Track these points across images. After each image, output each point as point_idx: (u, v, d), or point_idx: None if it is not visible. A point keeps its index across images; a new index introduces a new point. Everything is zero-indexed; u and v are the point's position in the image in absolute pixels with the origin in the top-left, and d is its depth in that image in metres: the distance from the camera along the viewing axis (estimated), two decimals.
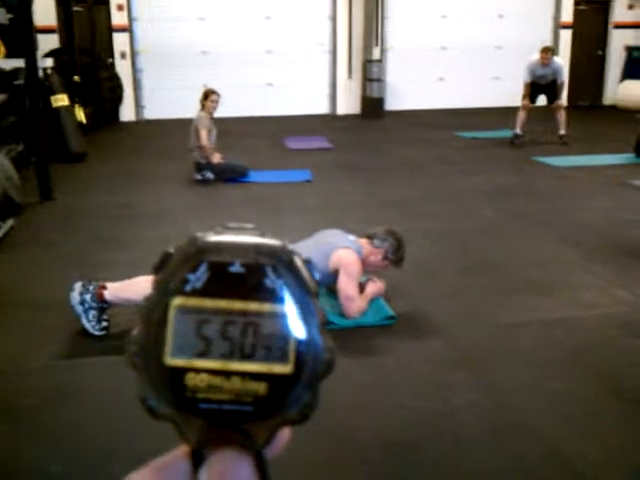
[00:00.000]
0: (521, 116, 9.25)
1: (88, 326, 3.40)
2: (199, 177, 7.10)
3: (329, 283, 3.66)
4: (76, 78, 9.80)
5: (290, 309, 0.36)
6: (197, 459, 0.36)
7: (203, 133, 6.93)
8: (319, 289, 0.38)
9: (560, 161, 8.08)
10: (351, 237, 3.70)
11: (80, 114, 9.40)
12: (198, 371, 0.35)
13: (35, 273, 4.40)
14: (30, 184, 6.34)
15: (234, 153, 7.70)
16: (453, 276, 4.27)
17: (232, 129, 9.75)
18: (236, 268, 0.36)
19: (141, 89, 12.53)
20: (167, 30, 12.28)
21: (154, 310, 0.36)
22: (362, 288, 3.68)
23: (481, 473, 2.45)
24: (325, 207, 6.10)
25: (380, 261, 3.68)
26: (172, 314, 0.36)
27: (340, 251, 3.55)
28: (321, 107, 13.04)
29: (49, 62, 8.86)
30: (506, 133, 9.72)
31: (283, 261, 0.37)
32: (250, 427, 0.36)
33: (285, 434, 0.38)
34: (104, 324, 3.45)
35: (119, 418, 2.76)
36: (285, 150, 9.14)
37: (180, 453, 0.37)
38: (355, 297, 3.54)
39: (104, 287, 3.47)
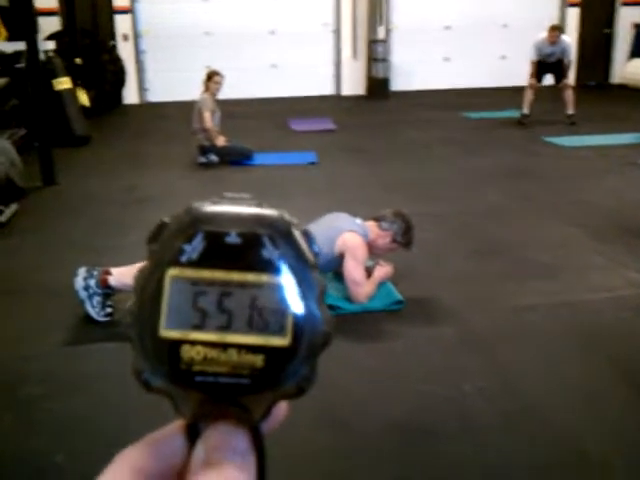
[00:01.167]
0: (528, 95, 9.13)
1: (92, 312, 3.36)
2: (203, 160, 7.03)
3: (335, 267, 3.61)
4: (78, 61, 9.70)
5: (288, 280, 0.35)
6: (192, 433, 0.35)
7: (207, 115, 6.85)
8: (319, 261, 0.37)
9: (568, 141, 7.98)
10: (358, 220, 3.64)
11: (83, 97, 9.32)
12: (194, 343, 0.35)
13: (39, 258, 4.36)
14: (33, 168, 6.28)
15: (238, 135, 7.62)
16: (461, 260, 4.21)
17: (236, 111, 9.66)
18: (232, 238, 0.35)
19: (144, 71, 12.42)
20: (170, 11, 12.14)
21: (148, 281, 0.35)
22: (370, 272, 3.63)
23: (492, 458, 2.41)
24: (330, 189, 6.03)
25: (388, 244, 3.62)
26: (167, 285, 0.35)
27: (346, 234, 3.49)
28: (326, 88, 12.91)
29: (50, 45, 8.77)
30: (513, 113, 9.61)
31: (281, 231, 0.36)
32: (246, 400, 0.35)
33: (282, 409, 0.37)
34: (108, 310, 3.41)
35: (124, 405, 2.73)
36: (289, 132, 9.05)
37: (175, 427, 0.36)
38: (362, 281, 3.49)
39: (108, 272, 3.43)
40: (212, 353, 0.35)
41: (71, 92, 8.35)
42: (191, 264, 0.35)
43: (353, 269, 3.46)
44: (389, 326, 3.37)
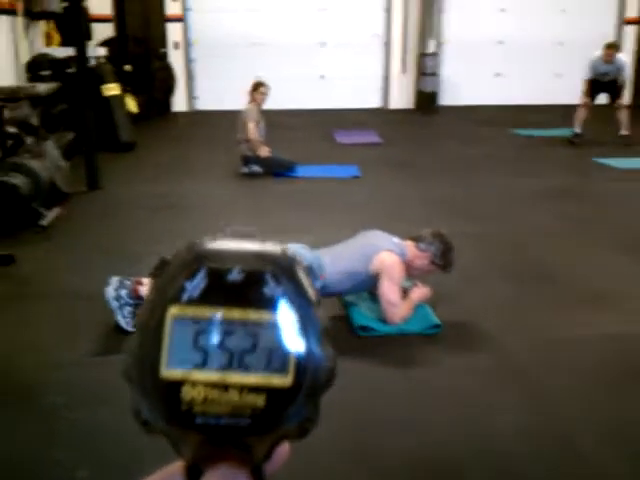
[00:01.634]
0: (581, 114, 8.88)
1: (122, 322, 3.32)
2: (246, 170, 7.00)
3: (370, 287, 3.50)
4: (127, 67, 9.83)
5: (290, 318, 0.35)
6: (193, 475, 0.35)
7: (251, 126, 6.83)
8: (320, 297, 0.36)
9: (621, 163, 7.70)
10: (395, 239, 3.52)
11: (131, 104, 9.43)
12: (195, 384, 0.34)
13: (73, 263, 4.36)
14: (79, 172, 6.34)
15: (282, 146, 7.58)
16: (503, 284, 4.05)
17: (281, 122, 9.64)
18: (235, 275, 0.35)
19: (194, 79, 12.53)
20: (220, 21, 12.24)
21: (150, 319, 0.35)
22: (406, 293, 3.51)
23: None
24: (371, 204, 5.93)
25: (426, 265, 3.49)
26: (168, 324, 0.35)
27: (383, 254, 3.38)
28: (373, 101, 12.82)
29: (102, 51, 8.90)
30: (565, 132, 9.35)
31: (283, 268, 0.35)
32: (248, 442, 0.35)
33: (285, 449, 0.36)
34: None
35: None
36: (334, 144, 8.98)
37: (175, 468, 0.36)
38: (398, 302, 3.37)
39: (140, 283, 3.39)
40: (213, 394, 0.34)
41: (119, 98, 8.45)
42: (192, 302, 0.35)
43: (389, 289, 3.35)
44: (423, 351, 3.24)
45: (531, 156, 8.13)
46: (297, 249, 3.49)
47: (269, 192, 6.36)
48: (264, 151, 6.97)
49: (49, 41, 9.53)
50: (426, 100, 12.27)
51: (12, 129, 6.00)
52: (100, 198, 6.10)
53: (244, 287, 0.35)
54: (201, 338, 0.34)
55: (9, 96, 6.74)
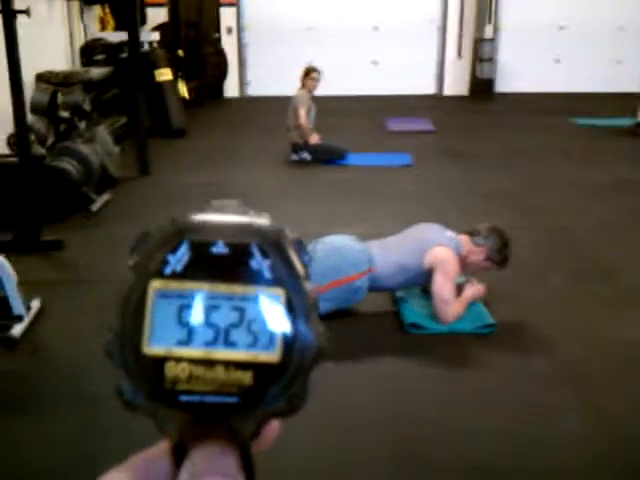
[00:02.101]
0: None
1: None
2: (295, 158, 6.91)
3: (423, 282, 3.37)
4: (180, 52, 9.82)
5: (277, 292, 0.34)
6: (178, 455, 0.34)
7: (302, 112, 6.72)
8: (309, 272, 0.35)
9: None
10: (450, 233, 3.38)
11: (183, 89, 9.43)
12: (179, 360, 0.33)
13: (121, 250, 4.33)
14: (129, 157, 6.36)
15: (333, 133, 7.46)
16: (562, 281, 3.86)
17: (333, 108, 9.50)
18: (219, 248, 0.34)
19: (246, 65, 12.48)
20: (273, 5, 12.14)
21: (131, 295, 0.34)
22: (459, 290, 3.36)
23: None
24: (423, 194, 5.77)
25: (482, 261, 3.34)
26: (150, 299, 0.34)
27: (437, 248, 3.24)
28: (427, 87, 12.54)
29: (154, 36, 8.90)
30: (627, 121, 8.96)
31: (270, 241, 0.34)
32: (235, 420, 0.34)
33: (274, 427, 0.36)
34: None
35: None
36: (386, 131, 8.81)
37: (161, 448, 0.35)
38: (451, 300, 3.23)
39: None
40: (198, 371, 0.33)
41: (171, 84, 8.44)
42: (175, 276, 0.34)
43: (442, 286, 3.21)
44: (476, 352, 3.09)
45: (591, 147, 7.81)
46: (345, 240, 3.38)
47: (319, 180, 6.25)
48: (314, 138, 6.85)
49: (104, 26, 9.59)
50: (482, 87, 11.95)
51: (65, 114, 6.04)
52: (150, 184, 6.09)
53: (229, 260, 0.34)
54: (185, 313, 0.33)
55: (63, 81, 6.80)
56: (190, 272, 0.34)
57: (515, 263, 3.49)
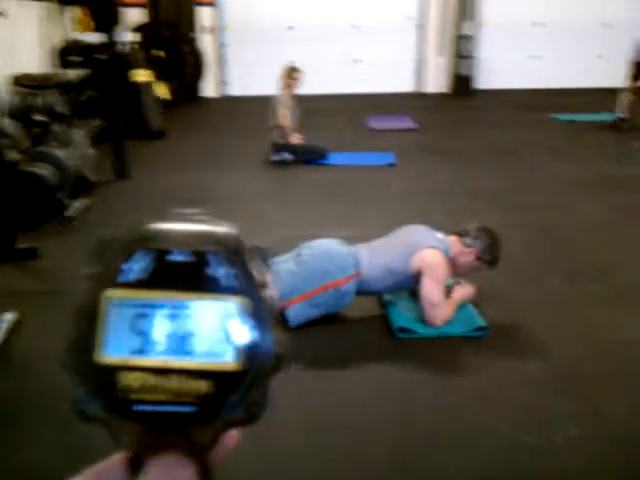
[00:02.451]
0: (627, 98, 8.48)
1: None
2: (276, 158, 6.80)
3: (411, 286, 3.27)
4: (160, 53, 9.66)
5: (236, 300, 0.33)
6: (134, 467, 0.33)
7: (283, 112, 6.61)
8: (271, 279, 0.35)
9: None
10: (438, 235, 3.29)
11: (163, 90, 9.27)
12: (132, 369, 0.33)
13: None
14: (107, 161, 6.21)
15: (314, 133, 7.36)
16: (554, 281, 3.78)
17: (313, 107, 9.40)
18: (176, 256, 0.34)
19: (225, 65, 12.34)
20: (253, 5, 12.02)
21: (87, 302, 0.34)
22: (448, 292, 3.28)
23: None
24: (409, 195, 5.68)
25: (471, 262, 3.25)
26: (105, 307, 0.33)
27: (425, 251, 3.15)
28: (407, 85, 12.49)
29: (133, 36, 8.75)
30: (608, 117, 8.96)
31: (229, 249, 0.34)
32: (192, 430, 0.33)
33: (233, 437, 0.35)
34: None
35: None
36: (367, 130, 8.73)
37: (115, 460, 0.34)
38: (440, 303, 3.14)
39: None
40: (153, 380, 0.33)
41: (149, 85, 8.29)
42: (130, 285, 0.33)
43: (431, 289, 3.12)
44: (468, 356, 3.00)
45: (574, 142, 7.79)
46: (331, 244, 3.28)
47: (301, 181, 6.15)
48: (296, 138, 6.75)
49: (84, 27, 9.41)
50: (462, 84, 11.92)
51: (40, 117, 5.88)
52: (129, 188, 5.95)
53: (186, 269, 0.33)
54: (140, 322, 0.33)
55: (40, 83, 6.64)
56: (146, 281, 0.33)
57: (506, 262, 3.41)
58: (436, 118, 9.69)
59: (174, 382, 0.33)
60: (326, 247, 3.24)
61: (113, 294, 0.33)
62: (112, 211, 5.25)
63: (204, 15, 11.99)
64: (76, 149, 5.58)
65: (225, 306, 0.33)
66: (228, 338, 0.33)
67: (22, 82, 6.64)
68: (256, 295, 0.34)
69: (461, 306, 3.28)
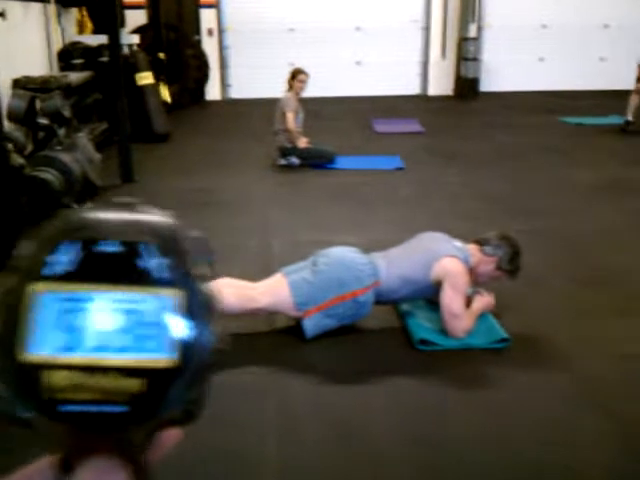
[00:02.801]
0: (634, 101, 8.41)
1: None
2: (283, 162, 6.71)
3: (430, 295, 3.19)
4: (161, 55, 9.58)
5: (171, 294, 0.32)
6: (64, 469, 0.32)
7: (290, 115, 6.53)
8: (212, 269, 0.33)
9: None
10: (457, 243, 3.20)
11: (165, 93, 9.19)
12: (59, 368, 0.31)
13: None
14: (112, 164, 6.13)
15: (320, 136, 7.28)
16: (572, 289, 3.70)
17: (318, 110, 9.33)
18: (107, 247, 0.32)
19: (227, 67, 12.25)
20: (254, 7, 11.93)
21: (11, 297, 0.31)
22: (468, 302, 3.19)
23: None
24: (418, 199, 5.60)
25: (492, 271, 3.17)
26: (29, 302, 0.31)
27: (445, 260, 3.07)
28: (412, 87, 12.41)
29: (135, 39, 8.66)
30: (615, 119, 8.89)
31: (164, 239, 0.32)
32: (125, 430, 0.31)
33: (172, 436, 0.33)
34: None
35: (192, 443, 2.40)
36: (373, 133, 8.65)
37: (44, 463, 0.32)
38: (462, 314, 3.06)
39: None
40: (81, 378, 0.31)
41: (153, 87, 8.21)
42: (57, 277, 0.31)
43: (451, 299, 3.03)
44: (490, 369, 2.92)
45: (582, 146, 7.71)
46: (348, 253, 3.20)
47: (309, 186, 6.06)
48: (303, 142, 6.67)
49: (82, 29, 9.33)
50: (466, 86, 11.85)
51: (44, 120, 5.79)
52: (135, 192, 5.85)
53: (118, 260, 0.31)
54: (67, 317, 0.31)
55: (41, 86, 6.54)
56: (73, 273, 0.31)
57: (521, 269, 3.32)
58: (442, 121, 9.61)
59: (104, 380, 0.31)
60: (343, 256, 3.15)
61: (38, 288, 0.31)
62: None
63: (206, 17, 11.91)
64: (81, 153, 5.49)
65: (158, 299, 0.31)
66: (162, 333, 0.31)
67: (23, 85, 6.55)
68: (192, 287, 0.32)
69: (481, 317, 3.19)
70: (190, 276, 0.32)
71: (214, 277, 0.33)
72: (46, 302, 0.31)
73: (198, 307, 0.32)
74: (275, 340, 3.18)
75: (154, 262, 0.32)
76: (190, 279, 0.32)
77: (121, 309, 0.31)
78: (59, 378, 0.31)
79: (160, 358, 0.31)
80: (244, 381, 2.85)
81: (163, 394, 0.31)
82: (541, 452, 2.35)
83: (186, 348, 0.31)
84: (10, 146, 5.07)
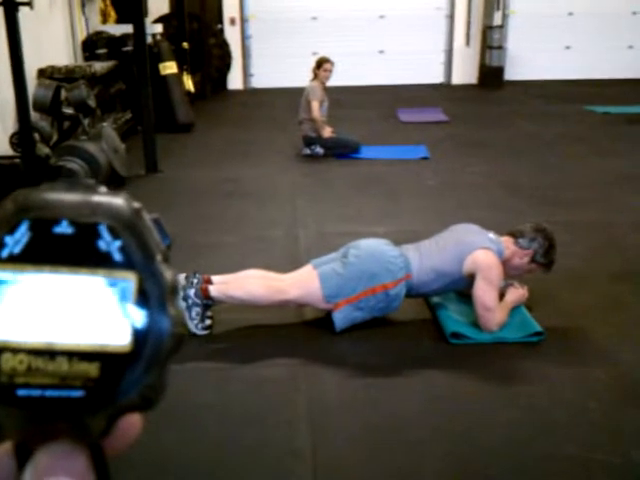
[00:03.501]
0: None
1: (190, 325, 3.04)
2: (308, 152, 6.66)
3: (462, 288, 3.14)
4: (185, 45, 9.55)
5: (129, 276, 0.31)
6: (22, 454, 0.32)
7: (315, 104, 6.47)
8: (169, 252, 0.32)
9: None
10: (491, 235, 3.14)
11: (188, 82, 9.17)
12: (16, 351, 0.31)
13: None
14: (136, 154, 6.12)
15: (343, 126, 7.22)
16: (607, 282, 3.62)
17: (341, 99, 9.25)
18: (63, 228, 0.31)
19: (249, 57, 12.20)
20: None
21: None
22: (502, 294, 3.13)
23: None
24: (444, 189, 5.53)
25: (526, 264, 3.11)
26: None
27: (478, 252, 3.00)
28: (435, 76, 12.27)
29: (158, 28, 8.64)
30: None
31: (122, 219, 0.32)
32: (83, 416, 0.31)
33: (133, 422, 0.33)
34: (207, 322, 3.08)
35: (224, 438, 2.38)
36: (398, 122, 8.56)
37: (2, 449, 0.32)
38: (495, 308, 3.00)
39: (209, 281, 3.10)
40: (38, 362, 0.31)
41: (177, 77, 8.18)
42: (13, 259, 0.31)
43: (485, 292, 2.97)
44: (526, 363, 2.86)
45: (612, 135, 7.56)
46: (380, 245, 3.15)
47: (334, 176, 6.01)
48: (327, 131, 6.61)
49: (105, 19, 9.32)
50: (491, 75, 11.69)
51: (69, 110, 5.79)
52: (160, 182, 5.84)
53: (74, 241, 0.31)
54: (23, 300, 0.31)
55: (66, 76, 6.55)
56: (30, 255, 0.31)
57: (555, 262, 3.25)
58: (466, 110, 9.49)
59: (62, 365, 0.30)
60: (374, 248, 3.10)
61: None
62: (145, 206, 5.15)
63: (229, 6, 11.85)
64: (106, 143, 5.49)
65: (116, 282, 0.31)
66: (120, 317, 0.31)
67: (48, 74, 6.56)
68: (152, 270, 0.31)
69: (514, 310, 3.13)
70: (149, 259, 0.31)
71: (170, 260, 0.32)
72: (2, 284, 0.31)
73: (157, 291, 0.31)
74: (304, 332, 3.15)
75: (113, 244, 0.31)
76: (149, 262, 0.31)
77: (76, 292, 0.31)
78: (17, 362, 0.31)
79: (115, 343, 0.31)
80: (274, 374, 2.82)
81: (119, 379, 0.31)
82: (579, 448, 2.30)
83: (143, 333, 0.31)
84: (36, 136, 5.08)
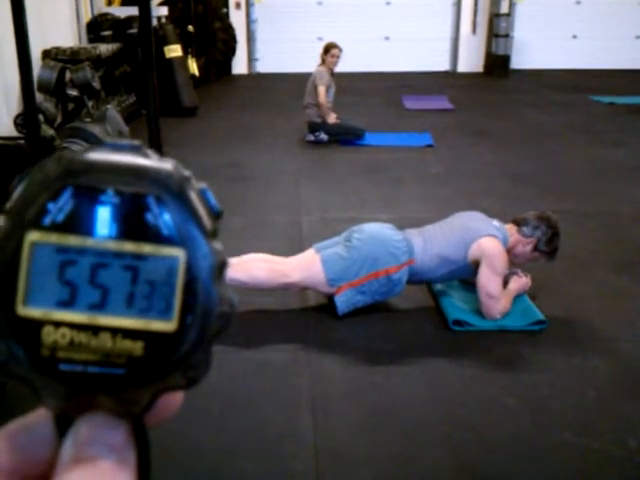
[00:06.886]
0: None
1: None
2: (312, 138, 6.65)
3: (466, 276, 3.14)
4: (190, 28, 9.50)
5: (177, 251, 0.30)
6: (62, 422, 0.31)
7: (322, 90, 6.44)
8: (219, 223, 0.31)
9: None
10: (495, 222, 3.14)
11: (193, 66, 9.13)
12: (58, 324, 0.30)
13: None
14: (140, 138, 6.07)
15: (348, 112, 7.20)
16: (609, 272, 3.62)
17: (346, 85, 9.21)
18: (109, 197, 0.29)
19: (254, 41, 12.14)
20: None
21: (4, 247, 0.29)
22: (505, 282, 3.13)
23: None
24: (448, 176, 5.52)
25: (529, 252, 3.11)
26: (27, 252, 0.29)
27: (484, 239, 3.01)
28: (441, 64, 12.22)
29: (164, 11, 8.59)
30: None
31: (172, 190, 0.30)
32: (124, 392, 0.30)
33: (174, 399, 0.32)
34: None
35: (225, 421, 2.40)
36: (402, 110, 8.53)
37: (42, 415, 0.31)
38: (499, 295, 3.00)
39: None
40: (80, 337, 0.30)
41: (181, 60, 8.15)
42: (58, 227, 0.29)
43: (489, 280, 2.98)
44: (528, 351, 2.87)
45: (617, 125, 7.53)
46: (383, 229, 3.15)
47: (339, 162, 6.00)
48: (332, 118, 6.59)
49: (110, 0, 9.27)
50: (497, 63, 11.63)
51: (73, 92, 5.78)
52: None
53: (120, 212, 0.29)
54: (68, 270, 0.29)
55: (71, 57, 6.52)
56: (74, 223, 0.29)
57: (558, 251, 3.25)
58: (471, 98, 9.45)
59: (105, 341, 0.29)
60: (377, 232, 3.11)
61: (38, 237, 0.29)
62: None
63: None
64: (110, 125, 5.47)
65: (166, 257, 0.29)
66: (169, 294, 0.29)
67: (53, 56, 6.54)
68: (202, 246, 0.30)
69: (517, 298, 3.14)
70: (199, 233, 0.30)
71: (218, 234, 0.31)
72: (45, 252, 0.29)
73: (206, 268, 0.30)
74: (307, 317, 3.16)
75: (162, 217, 0.29)
76: (199, 237, 0.30)
77: (124, 266, 0.29)
78: (60, 335, 0.30)
79: (162, 321, 0.30)
80: (276, 358, 2.83)
81: (163, 359, 0.30)
82: (577, 436, 2.31)
83: (190, 311, 0.30)
84: (40, 117, 5.07)
